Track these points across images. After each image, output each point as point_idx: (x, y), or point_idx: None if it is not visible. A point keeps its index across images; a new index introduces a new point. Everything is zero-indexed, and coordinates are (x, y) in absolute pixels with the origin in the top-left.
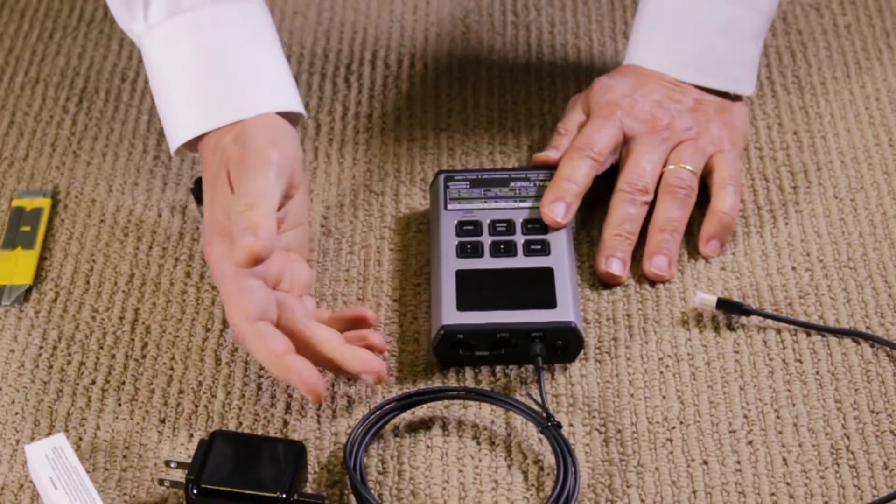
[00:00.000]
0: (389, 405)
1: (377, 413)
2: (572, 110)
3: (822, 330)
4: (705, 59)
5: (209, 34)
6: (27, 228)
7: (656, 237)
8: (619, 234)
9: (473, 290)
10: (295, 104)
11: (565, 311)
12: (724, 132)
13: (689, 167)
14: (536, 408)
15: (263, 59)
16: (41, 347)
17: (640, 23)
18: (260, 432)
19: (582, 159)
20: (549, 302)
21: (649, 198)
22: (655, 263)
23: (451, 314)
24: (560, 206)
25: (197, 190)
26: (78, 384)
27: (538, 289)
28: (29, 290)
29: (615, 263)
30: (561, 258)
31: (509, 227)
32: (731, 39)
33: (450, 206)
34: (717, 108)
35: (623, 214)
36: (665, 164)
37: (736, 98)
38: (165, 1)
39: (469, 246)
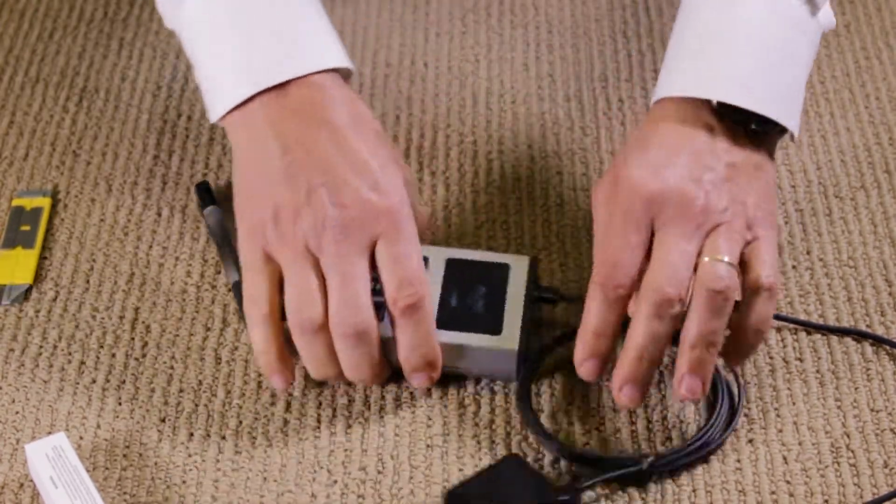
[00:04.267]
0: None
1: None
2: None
3: (823, 329)
4: (760, 79)
5: None
6: (27, 228)
7: (689, 355)
8: (642, 357)
9: None
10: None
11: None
12: (760, 208)
13: (727, 259)
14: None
15: (323, 12)
16: (41, 347)
17: (678, 47)
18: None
19: (607, 303)
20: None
21: (683, 309)
22: (688, 385)
23: None
24: (592, 365)
25: (201, 191)
26: (78, 383)
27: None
28: (29, 290)
29: (631, 393)
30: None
31: None
32: (785, 64)
33: None
34: (751, 170)
35: (649, 333)
36: (699, 255)
37: (770, 149)
38: None
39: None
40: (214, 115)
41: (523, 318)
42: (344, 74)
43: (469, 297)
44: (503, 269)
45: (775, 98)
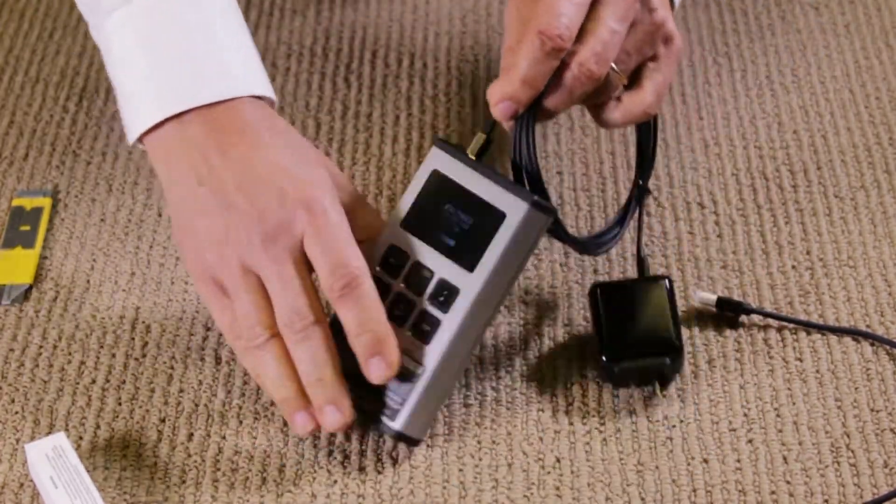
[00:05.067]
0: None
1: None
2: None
3: (822, 328)
4: None
5: (196, 7)
6: (27, 228)
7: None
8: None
9: None
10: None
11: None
12: (676, 33)
13: (616, 69)
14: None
15: (248, 40)
16: (41, 346)
17: None
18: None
19: (542, 53)
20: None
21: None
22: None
23: None
24: (507, 107)
25: None
26: (78, 383)
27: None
28: (29, 290)
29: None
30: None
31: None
32: None
33: None
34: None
35: (562, 100)
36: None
37: None
38: None
39: None
40: (132, 134)
41: (499, 177)
42: (269, 104)
43: (452, 225)
44: (437, 176)
45: None
